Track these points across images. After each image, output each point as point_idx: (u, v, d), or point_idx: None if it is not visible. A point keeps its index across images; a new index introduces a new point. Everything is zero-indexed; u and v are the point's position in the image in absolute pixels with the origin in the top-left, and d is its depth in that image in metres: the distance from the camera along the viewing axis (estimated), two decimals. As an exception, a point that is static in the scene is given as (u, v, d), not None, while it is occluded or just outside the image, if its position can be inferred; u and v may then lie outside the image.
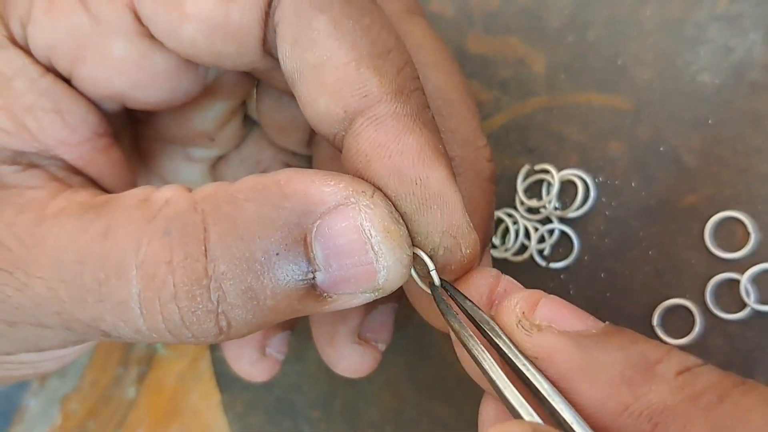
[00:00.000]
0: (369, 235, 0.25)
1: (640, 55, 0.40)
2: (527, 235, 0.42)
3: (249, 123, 0.41)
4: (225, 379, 0.51)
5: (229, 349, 0.41)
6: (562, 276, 0.42)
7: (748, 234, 0.38)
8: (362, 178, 0.27)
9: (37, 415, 0.59)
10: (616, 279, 0.41)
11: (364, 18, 0.28)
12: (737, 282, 0.38)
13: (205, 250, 0.25)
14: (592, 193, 0.41)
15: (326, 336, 0.37)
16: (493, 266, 0.43)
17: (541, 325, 0.27)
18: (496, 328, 0.27)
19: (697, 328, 0.38)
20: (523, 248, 0.43)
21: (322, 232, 0.25)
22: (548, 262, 0.42)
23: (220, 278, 0.25)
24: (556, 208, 0.42)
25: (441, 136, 0.30)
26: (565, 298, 0.41)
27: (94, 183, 0.33)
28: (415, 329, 0.45)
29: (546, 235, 0.42)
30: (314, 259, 0.25)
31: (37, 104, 0.30)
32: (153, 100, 0.33)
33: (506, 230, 0.43)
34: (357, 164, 0.28)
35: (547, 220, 0.42)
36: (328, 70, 0.28)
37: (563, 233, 0.42)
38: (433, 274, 0.28)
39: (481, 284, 0.29)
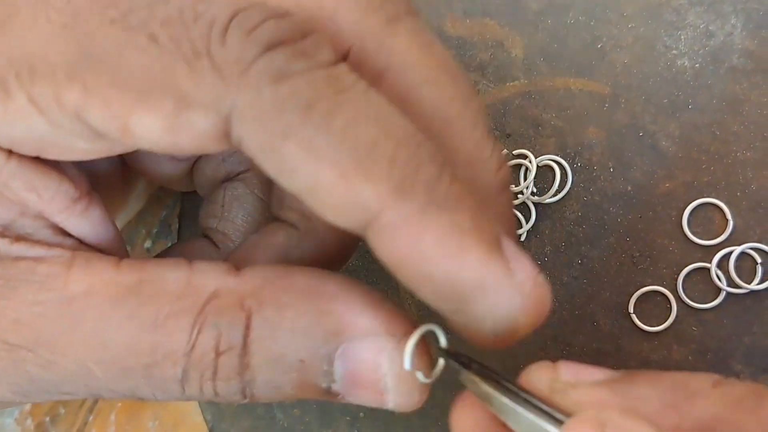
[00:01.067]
0: (384, 373, 0.27)
1: (619, 39, 0.40)
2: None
3: None
4: (198, 364, 0.50)
5: None
6: (538, 262, 0.41)
7: (726, 221, 0.38)
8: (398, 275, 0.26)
9: (8, 399, 0.58)
10: (593, 265, 0.40)
11: (334, 120, 0.25)
12: (712, 268, 0.38)
13: (245, 345, 0.27)
14: (570, 179, 0.40)
15: None
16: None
17: (573, 382, 0.27)
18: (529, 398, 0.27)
19: (674, 315, 0.38)
20: (500, 234, 0.42)
21: (345, 355, 0.27)
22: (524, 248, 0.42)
23: (253, 369, 0.27)
24: (533, 194, 0.41)
25: (466, 188, 0.27)
26: (541, 285, 0.41)
27: (81, 242, 0.32)
28: (390, 315, 0.45)
29: (522, 221, 0.41)
30: (333, 373, 0.27)
31: (9, 186, 0.30)
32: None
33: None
34: (387, 263, 0.26)
35: (524, 206, 0.41)
36: (318, 194, 0.25)
37: (540, 219, 0.41)
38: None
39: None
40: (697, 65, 0.39)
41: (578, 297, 0.40)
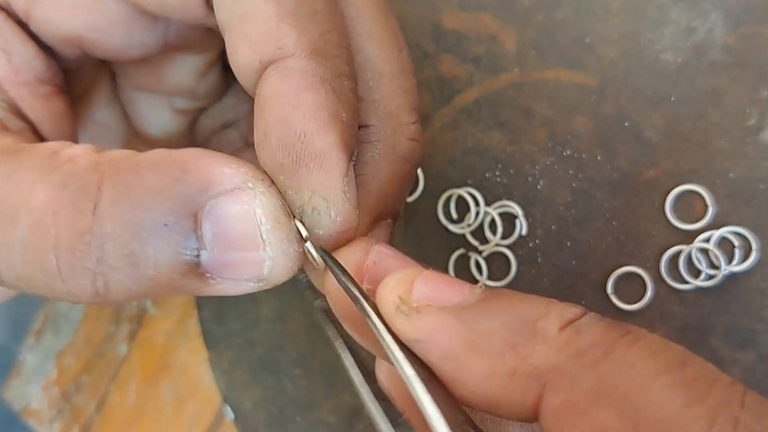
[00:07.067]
0: (259, 222, 0.25)
1: (606, 34, 0.41)
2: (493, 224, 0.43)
3: (231, 76, 0.40)
4: (212, 337, 0.52)
5: None
6: (530, 244, 0.42)
7: (706, 206, 0.39)
8: (256, 123, 0.27)
9: (34, 369, 0.60)
10: (581, 248, 0.41)
11: None
12: (692, 251, 0.39)
13: (94, 208, 0.24)
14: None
15: None
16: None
17: (419, 306, 0.25)
18: (371, 314, 0.26)
19: (649, 294, 0.39)
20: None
21: (214, 213, 0.25)
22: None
23: (104, 238, 0.24)
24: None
25: (358, 105, 0.29)
26: (533, 266, 0.42)
27: (34, 130, 0.32)
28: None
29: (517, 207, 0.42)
30: (202, 238, 0.25)
31: None
32: (109, 47, 0.33)
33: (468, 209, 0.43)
34: (256, 110, 0.27)
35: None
36: (252, 22, 0.27)
37: (531, 204, 0.42)
38: (309, 246, 0.27)
39: (349, 259, 0.28)
40: (679, 59, 0.39)
41: (567, 277, 0.42)
